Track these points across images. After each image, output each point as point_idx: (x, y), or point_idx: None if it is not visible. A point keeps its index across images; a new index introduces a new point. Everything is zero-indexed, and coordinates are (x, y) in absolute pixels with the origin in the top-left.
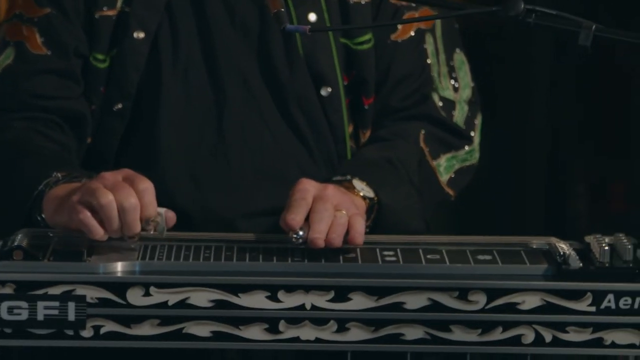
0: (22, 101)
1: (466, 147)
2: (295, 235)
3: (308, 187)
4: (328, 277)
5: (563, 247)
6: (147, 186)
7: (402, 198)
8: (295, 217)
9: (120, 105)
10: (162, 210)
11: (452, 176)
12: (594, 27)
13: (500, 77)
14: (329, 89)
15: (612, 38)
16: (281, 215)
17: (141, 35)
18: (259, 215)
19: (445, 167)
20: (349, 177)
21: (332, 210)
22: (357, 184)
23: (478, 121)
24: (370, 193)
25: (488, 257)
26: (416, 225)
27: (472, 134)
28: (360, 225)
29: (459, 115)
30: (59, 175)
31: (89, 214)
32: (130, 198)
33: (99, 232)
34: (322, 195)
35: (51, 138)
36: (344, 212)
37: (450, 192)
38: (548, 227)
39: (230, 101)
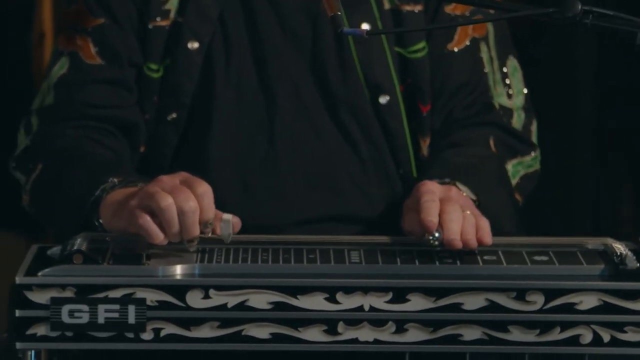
0: (76, 110)
1: (532, 154)
2: (431, 237)
3: (434, 189)
4: (386, 279)
5: (619, 247)
6: (205, 189)
7: (498, 200)
8: (433, 218)
9: (174, 115)
10: (229, 216)
11: (518, 182)
12: None
13: (545, 80)
14: (387, 97)
15: None
16: (403, 218)
17: (195, 45)
18: (308, 224)
19: (511, 173)
20: (447, 180)
21: (460, 211)
22: (461, 187)
23: (534, 128)
24: (472, 196)
25: (545, 258)
26: (509, 227)
27: (534, 140)
28: (487, 225)
29: (517, 122)
30: (115, 180)
31: (148, 218)
32: (190, 201)
33: (159, 236)
34: (449, 197)
35: (104, 145)
36: (469, 212)
37: (519, 197)
38: (596, 229)
39: (281, 110)
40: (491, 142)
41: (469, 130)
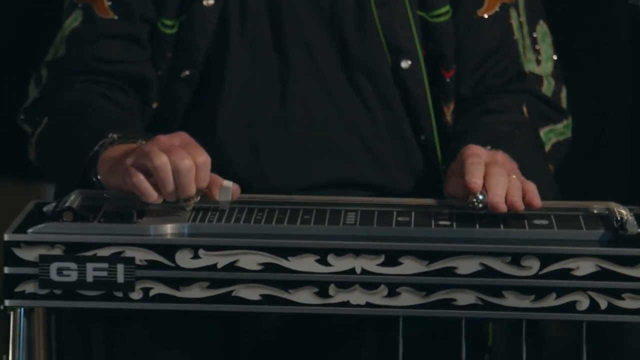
0: (86, 64)
1: (564, 121)
2: (475, 200)
3: (479, 152)
4: (379, 241)
5: (622, 212)
6: (204, 160)
7: (537, 168)
8: (477, 180)
9: (187, 72)
10: (230, 183)
11: (550, 150)
12: None
13: (579, 45)
14: (409, 62)
15: None
16: (447, 182)
17: (210, 2)
18: (316, 189)
19: (543, 140)
20: (489, 147)
21: (506, 174)
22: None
23: (564, 95)
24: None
25: (544, 222)
26: (548, 195)
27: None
28: (534, 188)
29: (547, 89)
30: (115, 136)
31: (142, 176)
32: (185, 159)
33: (152, 195)
34: (495, 161)
35: (113, 100)
36: (514, 176)
37: (550, 166)
38: (632, 198)
39: (294, 71)
40: (524, 110)
41: (503, 97)
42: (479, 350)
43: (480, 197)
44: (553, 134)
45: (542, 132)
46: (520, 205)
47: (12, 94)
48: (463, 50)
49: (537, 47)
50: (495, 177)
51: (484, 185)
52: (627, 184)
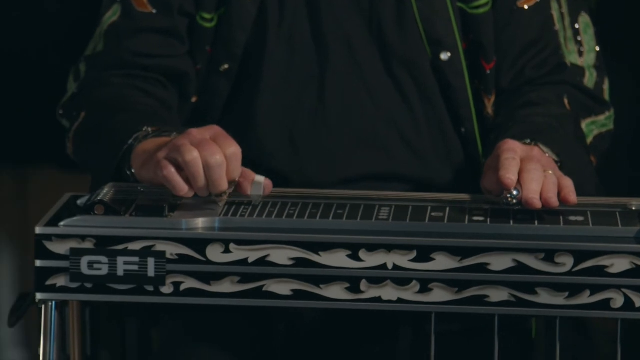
0: (124, 59)
1: (606, 113)
2: (509, 195)
3: (515, 148)
4: (412, 237)
5: None
6: (234, 151)
7: (579, 161)
8: (512, 176)
9: (226, 66)
10: (262, 178)
11: (592, 142)
12: None
13: (616, 38)
14: (449, 54)
15: None
16: (483, 176)
17: None
18: (354, 182)
19: (585, 132)
20: (528, 140)
21: (542, 170)
22: (543, 147)
23: (606, 86)
24: (554, 157)
25: (580, 219)
26: (590, 189)
27: (606, 99)
28: (571, 184)
29: (589, 81)
30: (149, 129)
31: (173, 170)
32: (216, 155)
33: (183, 189)
34: (531, 156)
35: (150, 94)
36: (551, 172)
37: (592, 158)
38: None
39: (332, 65)
40: (566, 101)
41: (543, 89)
42: (523, 345)
43: (515, 192)
44: (595, 125)
45: (584, 124)
46: (555, 202)
47: (54, 89)
48: (503, 41)
49: (579, 38)
50: (530, 173)
51: (518, 181)
52: None
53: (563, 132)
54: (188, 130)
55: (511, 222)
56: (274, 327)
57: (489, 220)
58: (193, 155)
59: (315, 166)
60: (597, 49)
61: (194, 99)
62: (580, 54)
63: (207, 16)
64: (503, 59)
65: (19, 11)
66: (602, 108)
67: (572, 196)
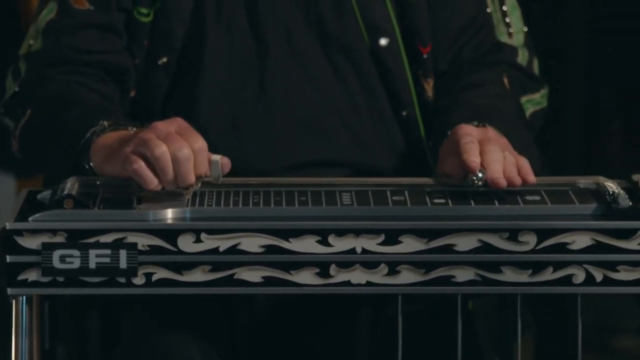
0: (65, 56)
1: (541, 90)
2: (474, 177)
3: (471, 132)
4: (378, 221)
5: (611, 186)
6: (201, 146)
7: (524, 140)
8: (476, 159)
9: (165, 59)
10: (218, 157)
11: (528, 119)
12: None
13: (534, 17)
14: (387, 39)
15: None
16: (440, 162)
17: None
18: (298, 168)
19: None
20: (475, 123)
21: (501, 151)
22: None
23: (536, 65)
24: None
25: (537, 198)
26: (535, 168)
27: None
28: (528, 164)
29: (523, 60)
30: (105, 123)
31: (143, 164)
32: (184, 149)
33: (153, 182)
34: (488, 138)
35: (93, 89)
36: (507, 152)
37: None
38: (587, 167)
39: (272, 54)
40: (505, 81)
41: (483, 70)
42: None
43: (480, 174)
44: (531, 103)
45: (522, 102)
46: (518, 180)
47: None
48: (439, 25)
49: (507, 19)
50: (490, 154)
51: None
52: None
53: (506, 113)
54: (153, 124)
55: (472, 203)
56: (242, 314)
57: (450, 202)
58: (162, 150)
59: (259, 154)
60: (525, 29)
61: (132, 94)
62: (510, 35)
63: (143, 11)
64: (440, 43)
65: None
66: (537, 85)
67: (530, 176)
